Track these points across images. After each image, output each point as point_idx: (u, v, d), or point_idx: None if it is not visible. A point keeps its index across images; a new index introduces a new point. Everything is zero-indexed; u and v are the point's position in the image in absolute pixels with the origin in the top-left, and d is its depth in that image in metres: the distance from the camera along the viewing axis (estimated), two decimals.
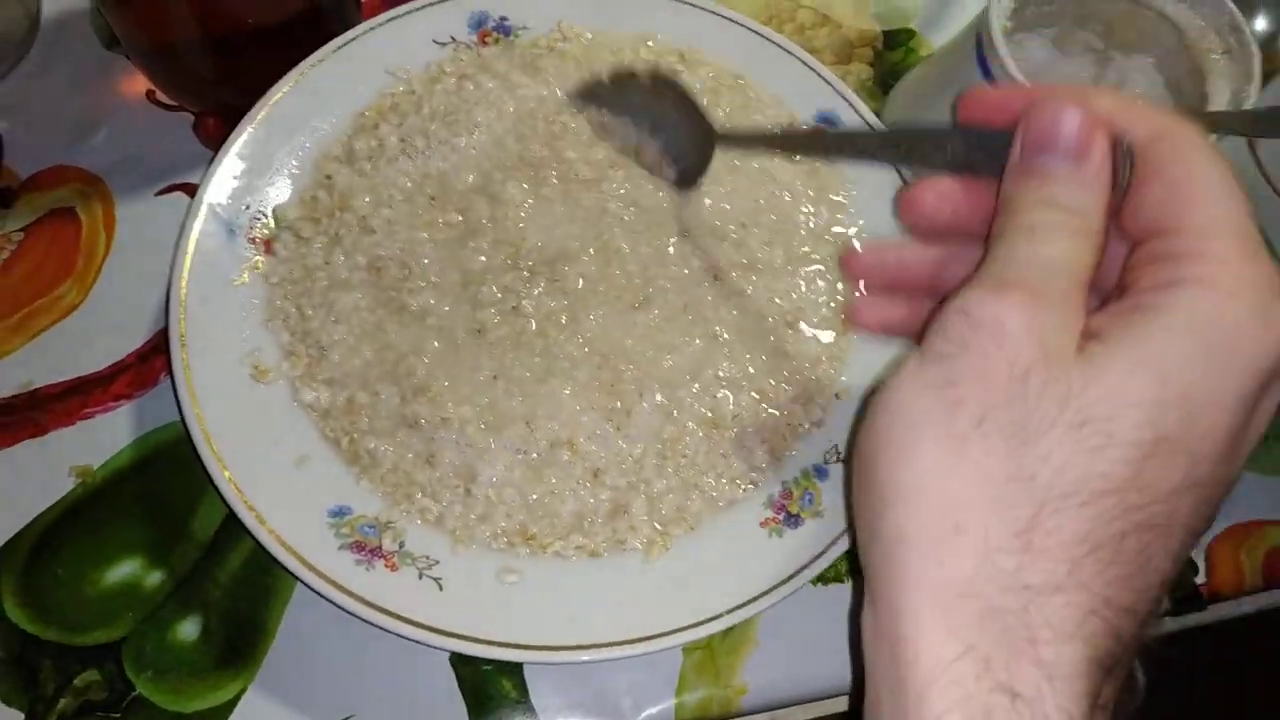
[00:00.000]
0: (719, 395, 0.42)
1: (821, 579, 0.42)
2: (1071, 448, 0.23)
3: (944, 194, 0.30)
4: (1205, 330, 0.23)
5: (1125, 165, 0.26)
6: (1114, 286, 0.27)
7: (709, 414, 0.42)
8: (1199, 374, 0.23)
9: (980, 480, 0.23)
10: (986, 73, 0.44)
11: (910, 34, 0.58)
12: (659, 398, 0.42)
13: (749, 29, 0.51)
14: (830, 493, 0.41)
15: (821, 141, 0.41)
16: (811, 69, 0.50)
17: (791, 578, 0.38)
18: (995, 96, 0.28)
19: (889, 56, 0.57)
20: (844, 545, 0.39)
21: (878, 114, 0.50)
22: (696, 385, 0.42)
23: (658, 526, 0.40)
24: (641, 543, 0.40)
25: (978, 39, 0.44)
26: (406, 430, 0.40)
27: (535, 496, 0.40)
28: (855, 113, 0.49)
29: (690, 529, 0.40)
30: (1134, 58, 0.48)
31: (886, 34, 0.57)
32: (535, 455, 0.40)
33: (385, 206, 0.45)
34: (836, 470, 0.41)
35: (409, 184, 0.45)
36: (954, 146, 0.29)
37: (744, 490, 0.41)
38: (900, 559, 0.24)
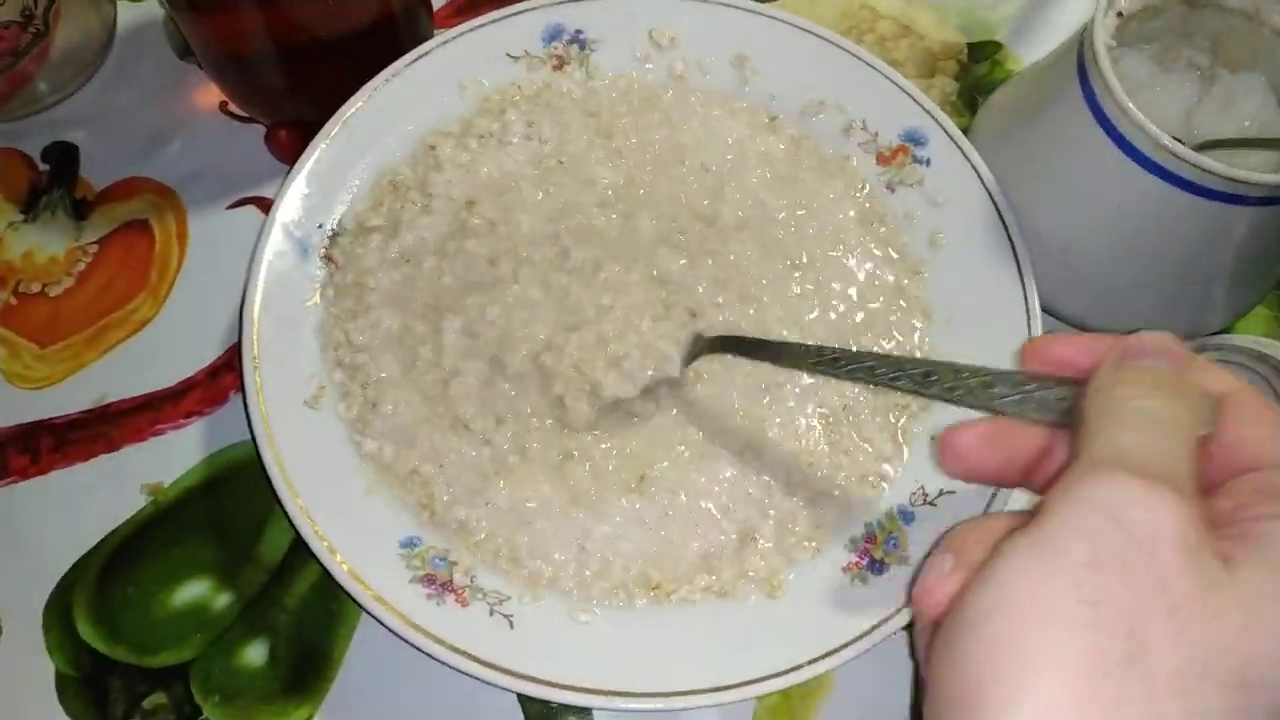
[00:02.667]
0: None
1: None
2: (1222, 702, 0.20)
3: (986, 437, 0.28)
4: None
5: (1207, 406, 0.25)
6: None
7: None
8: None
9: None
10: (1088, 92, 0.41)
11: (996, 46, 0.55)
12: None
13: (828, 40, 0.49)
14: (916, 536, 0.39)
15: (837, 363, 0.34)
16: (894, 83, 0.48)
17: (874, 629, 0.36)
18: (1065, 349, 0.27)
19: (974, 70, 0.54)
20: None
21: (965, 131, 0.48)
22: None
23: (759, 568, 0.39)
24: (757, 584, 0.39)
25: (1079, 57, 0.42)
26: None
27: (655, 546, 0.39)
28: (943, 131, 0.47)
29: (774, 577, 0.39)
30: (1242, 75, 0.45)
31: (971, 46, 0.55)
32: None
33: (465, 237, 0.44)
34: (923, 513, 0.39)
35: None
36: (1006, 389, 0.27)
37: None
38: None
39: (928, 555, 0.38)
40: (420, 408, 0.41)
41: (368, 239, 0.44)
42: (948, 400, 0.29)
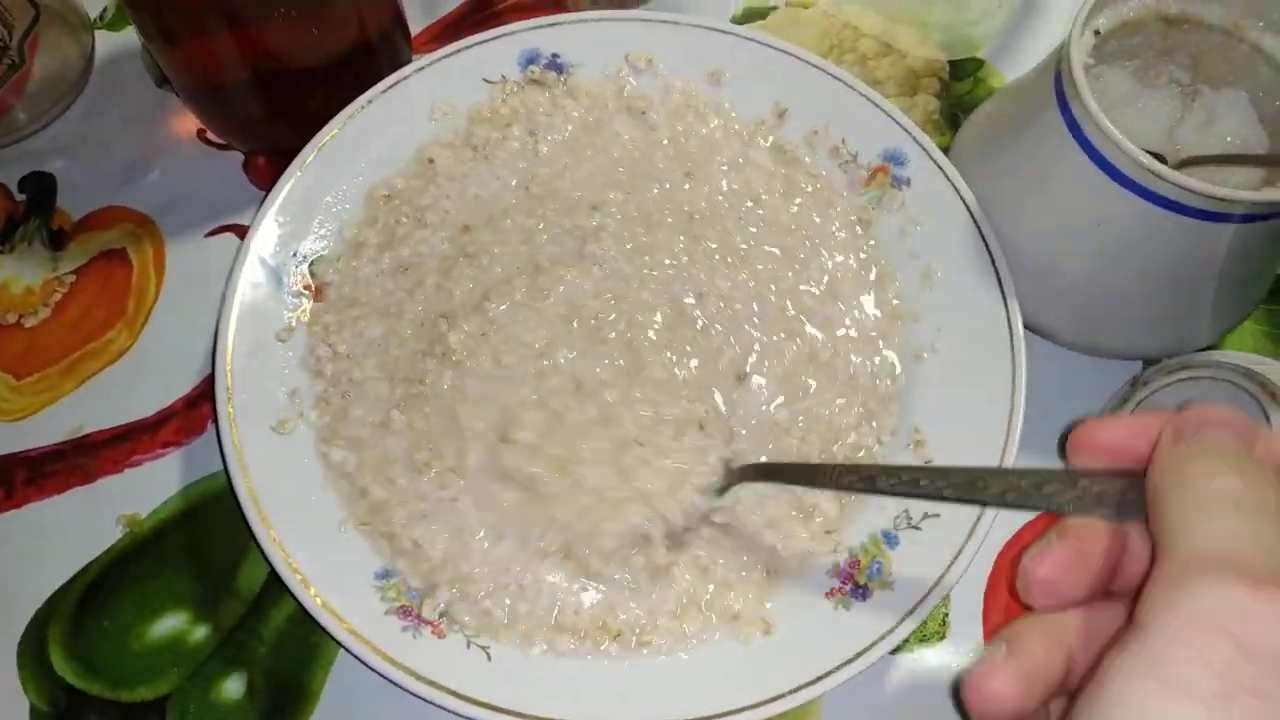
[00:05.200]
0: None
1: None
2: None
3: (1065, 560, 0.25)
4: None
5: None
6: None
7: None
8: None
9: None
10: (1066, 111, 0.41)
11: (978, 64, 0.55)
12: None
13: (807, 62, 0.48)
14: (900, 563, 0.38)
15: (875, 480, 0.32)
16: (875, 104, 0.48)
17: (859, 656, 0.36)
18: (1113, 433, 0.25)
19: (956, 87, 0.54)
20: (915, 622, 0.36)
21: (946, 150, 0.48)
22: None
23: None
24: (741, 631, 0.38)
25: (1056, 74, 0.42)
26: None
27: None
28: (923, 150, 0.46)
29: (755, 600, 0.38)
30: (1223, 91, 0.45)
31: (953, 64, 0.55)
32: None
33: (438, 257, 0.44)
34: (908, 538, 0.39)
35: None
36: (1054, 489, 0.26)
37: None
38: None
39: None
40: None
41: (360, 254, 0.44)
42: (1001, 507, 0.27)
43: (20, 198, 0.50)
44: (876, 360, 0.44)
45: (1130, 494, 0.24)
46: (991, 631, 0.41)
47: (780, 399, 0.42)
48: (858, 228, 0.46)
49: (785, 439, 0.41)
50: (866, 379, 0.43)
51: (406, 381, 0.41)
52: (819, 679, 0.35)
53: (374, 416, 0.41)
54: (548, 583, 0.38)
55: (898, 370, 0.43)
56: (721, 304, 0.44)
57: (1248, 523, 0.21)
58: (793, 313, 0.44)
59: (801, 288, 0.45)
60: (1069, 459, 0.26)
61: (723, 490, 0.39)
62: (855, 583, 0.38)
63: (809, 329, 0.44)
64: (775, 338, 0.44)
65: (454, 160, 0.47)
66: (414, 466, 0.40)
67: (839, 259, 0.46)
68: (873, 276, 0.45)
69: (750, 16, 0.56)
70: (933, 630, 0.41)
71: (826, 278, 0.45)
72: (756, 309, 0.44)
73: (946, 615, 0.41)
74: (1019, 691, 0.24)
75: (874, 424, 0.42)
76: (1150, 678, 0.20)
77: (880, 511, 0.40)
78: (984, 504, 0.28)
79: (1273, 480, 0.22)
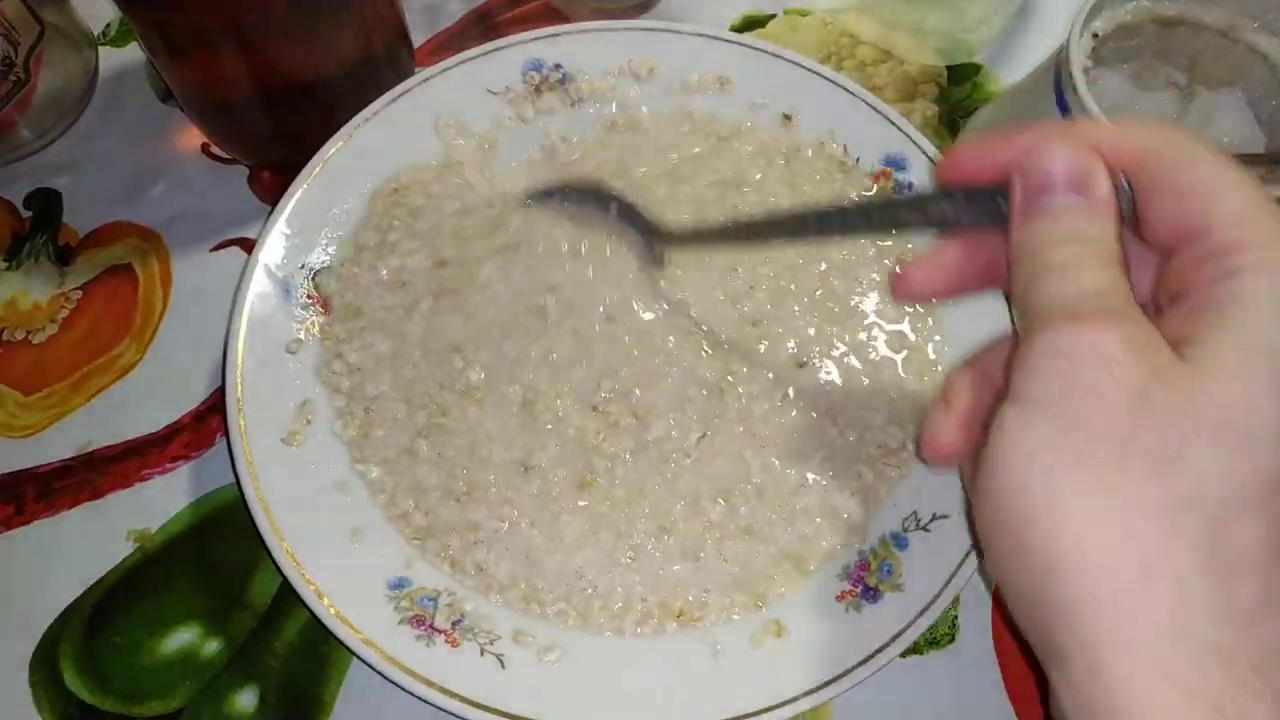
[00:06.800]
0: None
1: None
2: (1218, 455, 0.22)
3: (934, 267, 0.30)
4: None
5: (1124, 194, 0.26)
6: (1151, 301, 0.27)
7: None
8: None
9: (1143, 515, 0.22)
10: (1065, 111, 0.42)
11: (976, 69, 0.55)
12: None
13: (807, 69, 0.49)
14: (910, 564, 0.38)
15: (784, 226, 0.35)
16: (875, 109, 0.48)
17: (870, 658, 0.36)
18: (973, 155, 0.28)
19: (954, 92, 0.55)
20: (926, 622, 0.37)
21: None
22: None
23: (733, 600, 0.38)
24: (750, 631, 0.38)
25: (1056, 77, 0.42)
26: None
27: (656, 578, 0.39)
28: (924, 155, 0.47)
29: (761, 604, 0.38)
30: (1221, 92, 0.45)
31: (951, 69, 0.55)
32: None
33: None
34: (917, 539, 0.39)
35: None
36: (933, 209, 0.29)
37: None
38: (1090, 622, 0.22)
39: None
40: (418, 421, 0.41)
41: (360, 258, 0.44)
42: (895, 225, 0.31)
43: (26, 214, 0.50)
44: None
45: (1000, 205, 0.27)
46: (1000, 634, 0.41)
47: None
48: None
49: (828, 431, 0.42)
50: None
51: (426, 409, 0.41)
52: (831, 681, 0.36)
53: (398, 439, 0.41)
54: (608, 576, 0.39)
55: (904, 377, 0.44)
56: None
57: (1079, 277, 0.25)
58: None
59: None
60: (937, 178, 0.30)
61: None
62: (866, 585, 0.38)
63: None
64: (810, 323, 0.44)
65: (459, 170, 0.47)
66: (454, 495, 0.40)
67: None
68: (877, 278, 0.46)
69: (749, 25, 0.56)
70: (942, 632, 0.41)
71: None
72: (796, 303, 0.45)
73: (955, 617, 0.41)
74: (962, 437, 0.29)
75: (898, 429, 0.43)
76: (1021, 418, 0.24)
77: (893, 509, 0.40)
78: (895, 226, 0.32)
79: (1107, 225, 0.25)
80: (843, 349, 0.44)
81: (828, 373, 0.43)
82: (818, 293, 0.45)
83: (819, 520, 0.40)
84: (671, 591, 0.39)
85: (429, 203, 0.46)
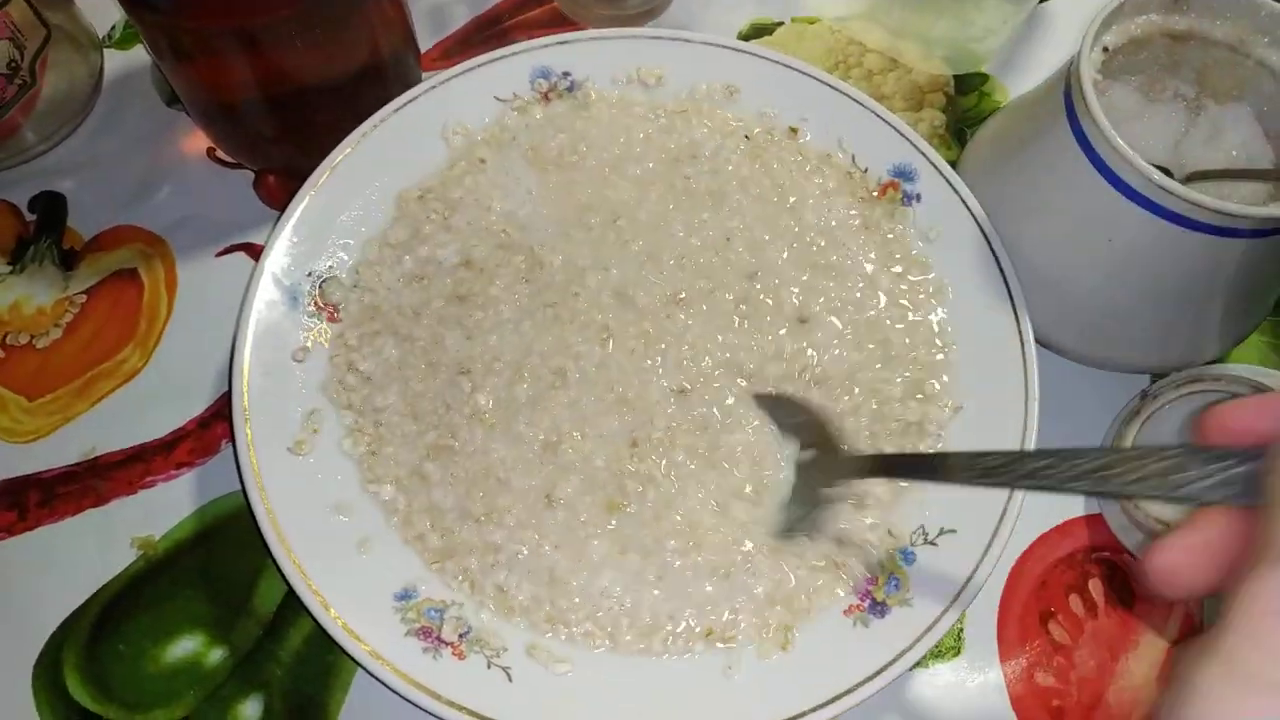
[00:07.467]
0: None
1: None
2: None
3: (1193, 548, 0.24)
4: None
5: None
6: None
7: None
8: None
9: None
10: (1076, 127, 0.42)
11: (984, 78, 0.55)
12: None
13: (815, 78, 0.49)
14: (918, 579, 0.38)
15: (996, 471, 0.30)
16: (883, 119, 0.48)
17: (877, 674, 0.36)
18: (1245, 414, 0.24)
19: (962, 102, 0.55)
20: (935, 638, 0.37)
21: (953, 164, 0.48)
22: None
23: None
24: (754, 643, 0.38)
25: (1066, 93, 0.42)
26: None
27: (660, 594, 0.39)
28: (932, 166, 0.47)
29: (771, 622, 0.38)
30: (1229, 106, 0.45)
31: (958, 78, 0.55)
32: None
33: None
34: (925, 554, 0.39)
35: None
36: (1197, 472, 0.24)
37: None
38: None
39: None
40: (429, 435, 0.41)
41: (383, 255, 0.45)
42: (1131, 495, 0.26)
43: (30, 218, 0.50)
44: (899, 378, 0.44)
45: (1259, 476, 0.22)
46: (1006, 647, 0.41)
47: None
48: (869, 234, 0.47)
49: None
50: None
51: (436, 430, 0.41)
52: (839, 696, 0.36)
53: (408, 457, 0.41)
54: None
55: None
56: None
57: None
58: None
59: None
60: (1201, 440, 0.25)
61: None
62: (873, 599, 0.38)
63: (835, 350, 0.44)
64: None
65: (472, 175, 0.47)
66: (472, 516, 0.40)
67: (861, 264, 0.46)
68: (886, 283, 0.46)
69: (756, 32, 0.56)
70: (948, 646, 0.41)
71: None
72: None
73: (961, 631, 0.42)
74: (1197, 563, 0.23)
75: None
76: (1225, 671, 0.19)
77: (901, 520, 0.40)
78: (1114, 494, 0.27)
79: None
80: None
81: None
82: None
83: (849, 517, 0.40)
84: (700, 611, 0.38)
85: (466, 197, 0.46)
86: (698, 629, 0.38)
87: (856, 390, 0.43)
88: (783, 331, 0.44)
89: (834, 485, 0.39)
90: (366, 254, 0.44)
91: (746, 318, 0.44)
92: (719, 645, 0.38)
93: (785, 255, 0.45)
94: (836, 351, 0.43)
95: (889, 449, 0.42)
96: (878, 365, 0.43)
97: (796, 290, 0.44)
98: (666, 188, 0.47)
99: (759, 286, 0.45)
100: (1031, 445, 0.40)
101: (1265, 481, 0.22)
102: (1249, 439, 0.23)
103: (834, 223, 0.46)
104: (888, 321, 0.44)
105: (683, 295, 0.44)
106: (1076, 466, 0.27)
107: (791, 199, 0.47)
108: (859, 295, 0.45)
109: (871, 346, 0.44)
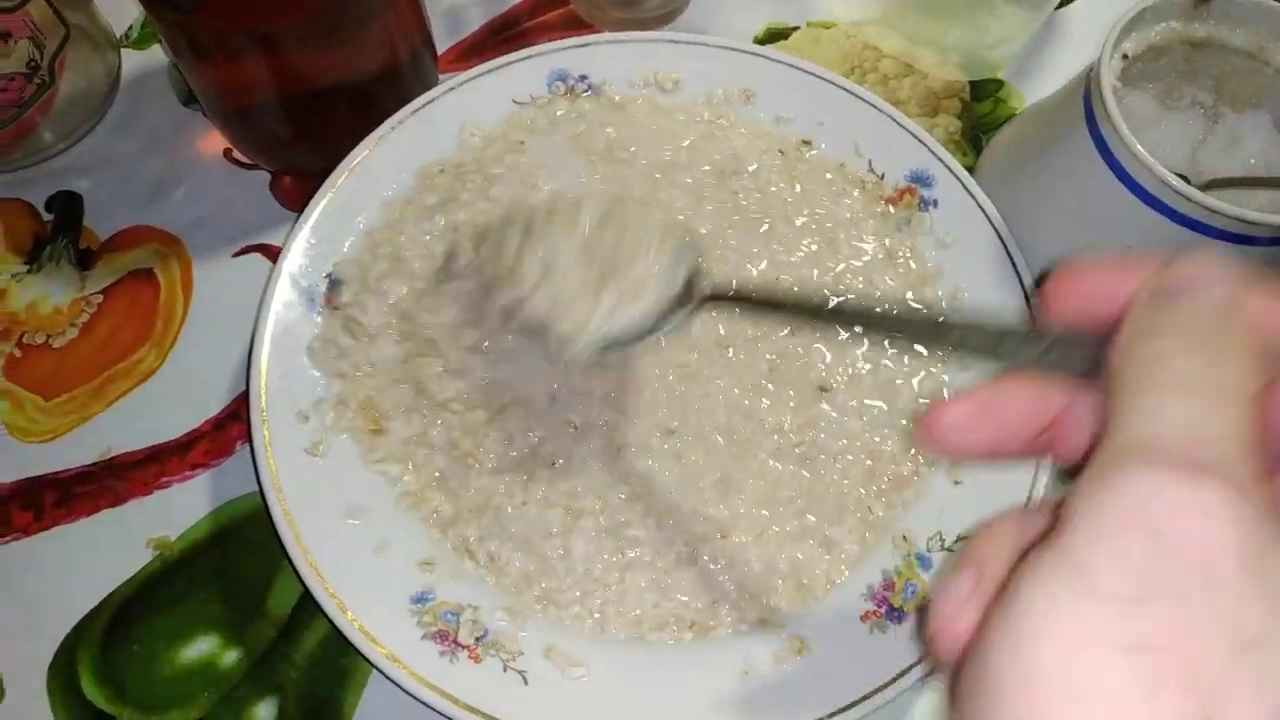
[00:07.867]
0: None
1: None
2: None
3: (978, 413, 0.23)
4: None
5: None
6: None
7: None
8: None
9: None
10: (1095, 134, 0.42)
11: (999, 84, 0.55)
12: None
13: (830, 82, 0.49)
14: (935, 584, 0.38)
15: (837, 315, 0.30)
16: (900, 124, 0.48)
17: (894, 680, 0.36)
18: (1091, 281, 0.22)
19: (977, 108, 0.55)
20: None
21: (970, 170, 0.48)
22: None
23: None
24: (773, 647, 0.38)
25: (1085, 99, 0.42)
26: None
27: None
28: (949, 172, 0.47)
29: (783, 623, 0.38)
30: (1247, 114, 0.45)
31: (974, 84, 0.55)
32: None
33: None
34: (941, 560, 0.39)
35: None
36: (1015, 347, 0.23)
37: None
38: None
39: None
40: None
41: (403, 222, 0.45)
42: (959, 351, 0.25)
43: (47, 217, 0.50)
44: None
45: (1095, 355, 0.21)
46: None
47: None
48: (887, 240, 0.47)
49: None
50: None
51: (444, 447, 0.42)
52: (855, 702, 0.35)
53: (420, 452, 0.41)
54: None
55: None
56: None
57: (1204, 407, 0.18)
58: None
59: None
60: (1042, 308, 0.23)
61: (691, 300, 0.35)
62: (890, 605, 0.38)
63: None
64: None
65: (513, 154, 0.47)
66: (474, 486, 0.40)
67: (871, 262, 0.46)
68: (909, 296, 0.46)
69: (772, 37, 0.56)
70: None
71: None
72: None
73: None
74: (979, 425, 0.23)
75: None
76: (1062, 582, 0.17)
77: (916, 530, 0.40)
78: (944, 349, 0.27)
79: (1241, 360, 0.19)
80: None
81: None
82: None
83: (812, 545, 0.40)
84: (677, 601, 0.39)
85: (508, 173, 0.46)
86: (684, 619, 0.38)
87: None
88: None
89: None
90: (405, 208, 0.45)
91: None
92: (725, 640, 0.38)
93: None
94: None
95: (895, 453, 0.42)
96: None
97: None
98: (719, 204, 0.46)
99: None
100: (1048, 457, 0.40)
101: (1111, 361, 0.20)
102: (1095, 309, 0.22)
103: (865, 259, 0.46)
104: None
105: (721, 330, 0.44)
106: (915, 318, 0.27)
107: (829, 225, 0.47)
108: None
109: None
